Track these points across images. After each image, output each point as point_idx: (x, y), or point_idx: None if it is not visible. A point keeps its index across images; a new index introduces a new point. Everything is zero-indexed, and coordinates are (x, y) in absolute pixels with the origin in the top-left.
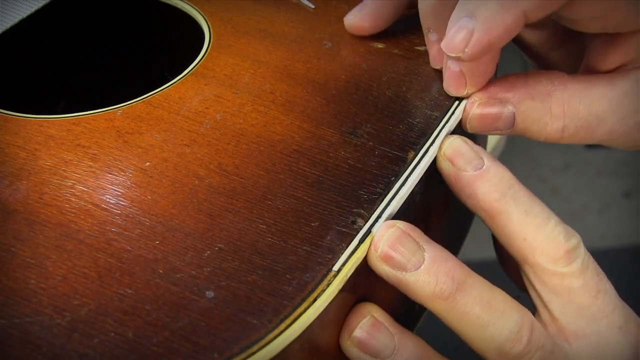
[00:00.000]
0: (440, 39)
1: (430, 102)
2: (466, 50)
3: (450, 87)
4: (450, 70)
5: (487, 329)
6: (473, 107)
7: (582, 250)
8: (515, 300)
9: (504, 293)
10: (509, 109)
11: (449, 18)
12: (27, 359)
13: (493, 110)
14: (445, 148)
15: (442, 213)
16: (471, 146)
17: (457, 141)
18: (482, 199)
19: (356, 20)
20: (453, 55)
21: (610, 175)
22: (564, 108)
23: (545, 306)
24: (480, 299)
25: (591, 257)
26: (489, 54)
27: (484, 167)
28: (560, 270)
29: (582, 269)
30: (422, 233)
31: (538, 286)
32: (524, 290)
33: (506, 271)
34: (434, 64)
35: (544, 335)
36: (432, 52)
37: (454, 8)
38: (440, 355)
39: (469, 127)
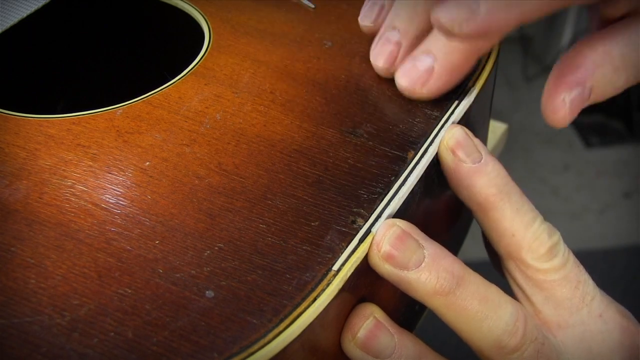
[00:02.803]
0: (399, 42)
1: (430, 101)
2: (424, 89)
3: (409, 83)
4: (420, 65)
5: (484, 322)
6: (565, 104)
7: (562, 246)
8: (508, 295)
9: (497, 287)
10: (588, 86)
11: (425, 26)
12: (26, 359)
13: (578, 94)
14: (448, 138)
15: (441, 213)
16: (472, 139)
17: (460, 132)
18: (479, 192)
19: (373, 28)
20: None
21: (610, 175)
22: (623, 61)
23: (529, 299)
24: (478, 293)
25: (570, 250)
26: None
27: (482, 161)
28: (543, 267)
29: (562, 262)
30: (420, 231)
31: (521, 281)
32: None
33: (493, 262)
34: (380, 61)
35: (536, 327)
36: (386, 49)
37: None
38: (438, 354)
39: (568, 123)
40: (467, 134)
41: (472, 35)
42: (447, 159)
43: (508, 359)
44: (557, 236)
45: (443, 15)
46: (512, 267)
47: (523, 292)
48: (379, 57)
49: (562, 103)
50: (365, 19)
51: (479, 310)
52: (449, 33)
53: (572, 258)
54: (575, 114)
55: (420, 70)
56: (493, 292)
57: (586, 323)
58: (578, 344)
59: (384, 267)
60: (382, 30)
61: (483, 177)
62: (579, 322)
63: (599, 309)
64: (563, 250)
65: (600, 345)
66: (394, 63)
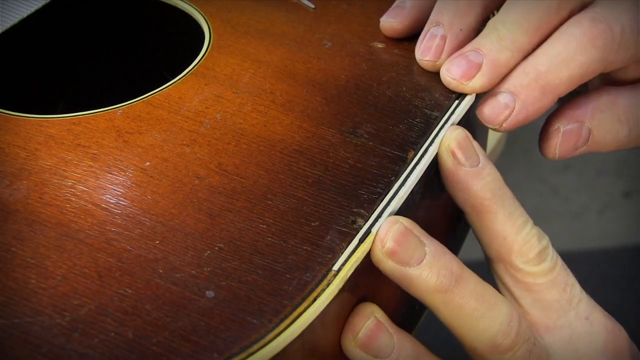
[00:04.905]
0: (444, 36)
1: (430, 102)
2: (504, 125)
3: (458, 74)
4: (470, 60)
5: (480, 321)
6: (559, 133)
7: (551, 250)
8: (501, 295)
9: (493, 288)
10: (586, 126)
11: (467, 20)
12: (27, 359)
13: (574, 129)
14: (449, 140)
15: (441, 213)
16: (472, 142)
17: (462, 134)
18: (474, 195)
19: (394, 23)
20: (490, 126)
21: (610, 175)
22: (627, 113)
23: (517, 302)
24: (475, 292)
25: (558, 255)
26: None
27: (479, 165)
28: (532, 270)
29: (551, 266)
30: (421, 229)
31: (510, 284)
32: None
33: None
34: (427, 55)
35: (529, 328)
36: (432, 43)
37: (475, 12)
38: (435, 355)
39: (558, 154)
40: (467, 136)
41: (514, 128)
42: (447, 161)
43: (501, 359)
44: (546, 240)
45: (484, 113)
46: (501, 270)
47: (512, 294)
48: (425, 51)
49: (555, 131)
50: (388, 16)
51: (475, 309)
52: (493, 128)
53: (560, 262)
54: (568, 149)
55: (469, 64)
56: (489, 291)
57: (573, 325)
58: (566, 345)
59: (387, 263)
60: (426, 28)
61: (480, 181)
62: (566, 324)
63: (586, 312)
64: (551, 254)
65: (587, 346)
66: (440, 57)
